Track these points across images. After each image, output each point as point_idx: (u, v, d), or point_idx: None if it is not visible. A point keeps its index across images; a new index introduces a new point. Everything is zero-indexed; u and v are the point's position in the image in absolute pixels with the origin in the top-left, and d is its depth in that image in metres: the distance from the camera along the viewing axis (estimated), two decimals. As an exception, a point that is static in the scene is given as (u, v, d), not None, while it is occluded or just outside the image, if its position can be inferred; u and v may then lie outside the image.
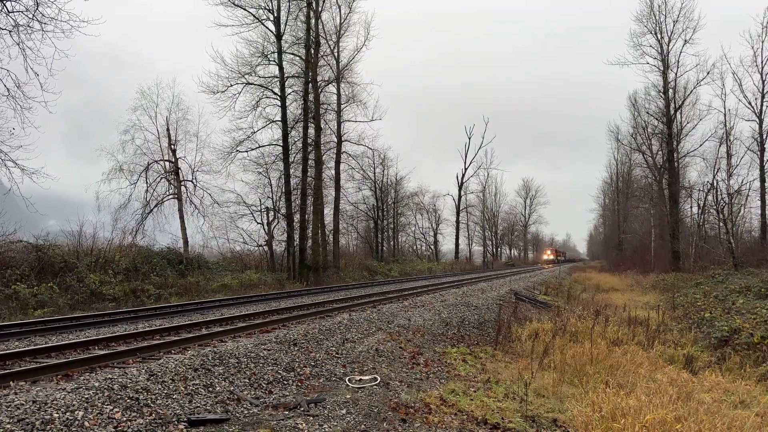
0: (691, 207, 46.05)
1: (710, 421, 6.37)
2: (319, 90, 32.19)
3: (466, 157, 62.59)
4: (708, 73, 36.57)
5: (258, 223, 33.28)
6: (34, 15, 15.16)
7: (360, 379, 8.07)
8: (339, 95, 36.29)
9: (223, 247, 31.79)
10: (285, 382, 7.68)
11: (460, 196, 63.61)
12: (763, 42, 33.20)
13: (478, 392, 8.11)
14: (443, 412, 6.92)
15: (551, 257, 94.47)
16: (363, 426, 5.98)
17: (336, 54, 35.90)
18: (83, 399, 5.69)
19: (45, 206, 17.30)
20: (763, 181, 33.47)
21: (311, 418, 6.08)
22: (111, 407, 5.66)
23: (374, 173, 49.38)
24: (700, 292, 21.92)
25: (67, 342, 9.49)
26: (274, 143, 31.77)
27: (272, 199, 33.67)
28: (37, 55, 15.33)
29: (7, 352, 8.40)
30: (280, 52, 30.29)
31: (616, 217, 69.97)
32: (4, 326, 11.65)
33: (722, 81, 51.27)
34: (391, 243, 55.64)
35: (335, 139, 36.80)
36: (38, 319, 13.15)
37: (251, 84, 30.16)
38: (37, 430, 4.96)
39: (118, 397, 5.92)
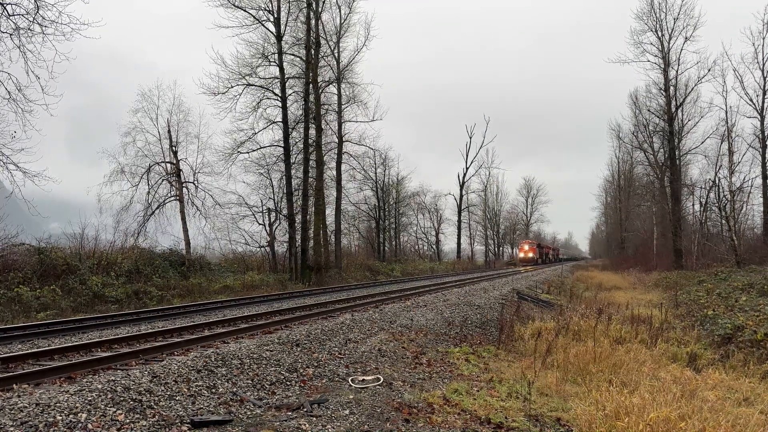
0: (693, 204, 46.05)
1: (714, 419, 6.35)
2: (320, 90, 32.18)
3: (467, 156, 62.50)
4: (709, 71, 36.61)
5: (260, 224, 33.35)
6: (34, 18, 15.20)
7: (363, 380, 8.07)
8: (340, 95, 36.31)
9: (225, 248, 31.87)
10: (288, 383, 7.68)
11: (461, 196, 63.63)
12: (764, 39, 33.23)
13: (482, 392, 8.10)
14: (446, 412, 6.91)
15: (530, 255, 64.81)
16: (366, 426, 5.97)
17: (336, 54, 35.90)
18: (86, 401, 5.69)
19: (47, 209, 17.36)
20: (765, 177, 33.44)
21: (314, 418, 6.07)
22: (114, 409, 5.66)
23: (375, 173, 49.45)
24: (703, 289, 21.87)
25: (69, 344, 9.50)
26: (276, 144, 31.78)
27: (274, 200, 33.72)
28: (37, 58, 15.38)
29: (11, 354, 8.41)
30: (280, 53, 30.28)
31: (618, 215, 69.91)
32: (7, 329, 11.66)
33: (723, 78, 51.48)
34: (393, 243, 55.64)
35: (336, 140, 36.82)
36: (41, 322, 13.17)
37: (252, 85, 30.13)
38: (40, 432, 4.96)
39: (122, 399, 5.92)
